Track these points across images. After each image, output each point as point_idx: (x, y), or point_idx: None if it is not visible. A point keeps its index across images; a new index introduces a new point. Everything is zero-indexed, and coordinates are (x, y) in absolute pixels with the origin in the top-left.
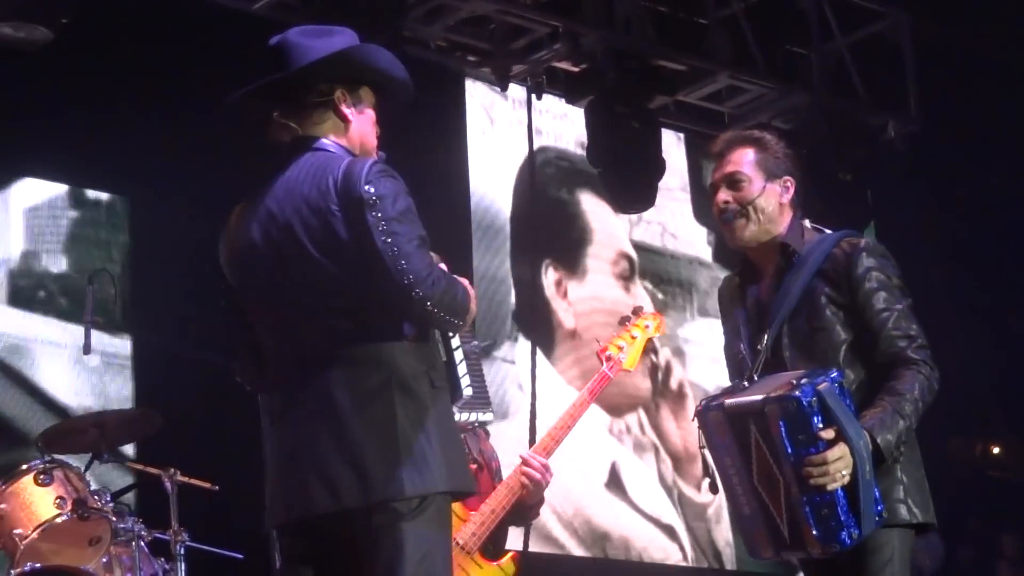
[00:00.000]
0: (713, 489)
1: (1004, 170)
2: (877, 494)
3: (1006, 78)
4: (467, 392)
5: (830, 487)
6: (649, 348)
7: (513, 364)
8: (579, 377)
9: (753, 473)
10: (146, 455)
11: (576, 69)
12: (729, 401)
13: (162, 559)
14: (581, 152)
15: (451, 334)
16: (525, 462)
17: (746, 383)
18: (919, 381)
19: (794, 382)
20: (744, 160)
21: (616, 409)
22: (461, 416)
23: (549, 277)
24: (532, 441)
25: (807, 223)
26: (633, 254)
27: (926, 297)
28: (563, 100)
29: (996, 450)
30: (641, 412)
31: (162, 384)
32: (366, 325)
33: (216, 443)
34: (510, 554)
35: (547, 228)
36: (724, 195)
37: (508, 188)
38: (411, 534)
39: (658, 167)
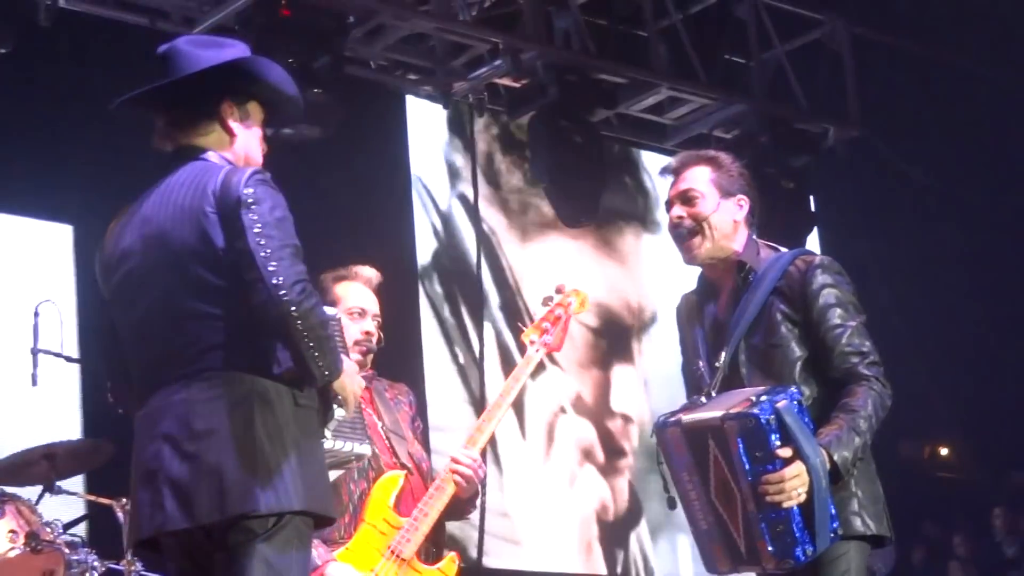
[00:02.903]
0: (671, 505)
1: (945, 173)
2: (833, 511)
3: (944, 80)
4: (339, 413)
5: (786, 504)
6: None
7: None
8: None
9: (711, 488)
10: (97, 485)
11: (517, 85)
12: (687, 417)
13: None
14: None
15: (315, 376)
16: (455, 461)
17: (704, 399)
18: (872, 397)
19: (753, 399)
20: (699, 178)
21: None
22: (336, 445)
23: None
24: None
25: (761, 241)
26: None
27: (869, 299)
28: (505, 116)
29: (944, 451)
30: None
31: (111, 414)
32: (232, 337)
33: None
34: (450, 556)
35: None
36: (679, 211)
37: (454, 205)
38: (262, 555)
39: (602, 179)
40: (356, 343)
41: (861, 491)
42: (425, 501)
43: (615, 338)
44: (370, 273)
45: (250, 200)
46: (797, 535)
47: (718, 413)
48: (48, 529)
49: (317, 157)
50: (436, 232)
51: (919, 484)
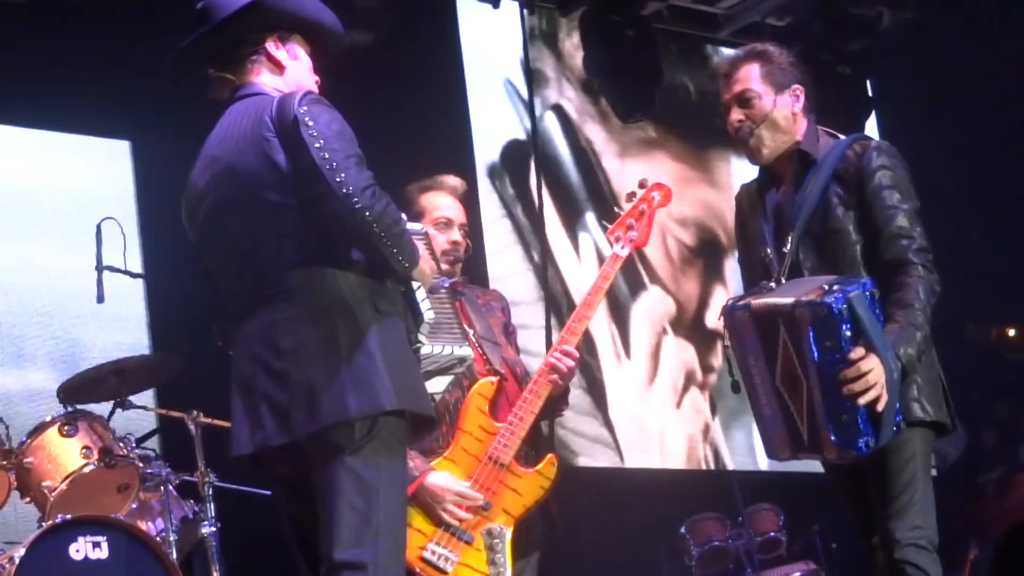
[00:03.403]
0: (735, 388)
1: (1005, 52)
2: (898, 406)
3: None
4: (428, 316)
5: (867, 397)
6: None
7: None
8: None
9: (777, 374)
10: (168, 399)
11: None
12: (757, 302)
13: (191, 501)
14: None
15: (397, 270)
16: (552, 356)
17: (773, 285)
18: (923, 287)
19: (825, 287)
20: (751, 76)
21: None
22: (435, 350)
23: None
24: None
25: (820, 128)
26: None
27: (932, 184)
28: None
29: (1011, 332)
30: None
31: (179, 328)
32: (309, 253)
33: None
34: (548, 457)
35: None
36: (737, 114)
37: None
38: (350, 467)
39: (655, 73)
40: (444, 252)
41: (920, 378)
42: (520, 405)
43: (710, 258)
44: (455, 182)
45: (307, 118)
46: (861, 426)
47: (790, 299)
48: (121, 444)
49: (372, 64)
50: (526, 132)
51: (987, 367)
